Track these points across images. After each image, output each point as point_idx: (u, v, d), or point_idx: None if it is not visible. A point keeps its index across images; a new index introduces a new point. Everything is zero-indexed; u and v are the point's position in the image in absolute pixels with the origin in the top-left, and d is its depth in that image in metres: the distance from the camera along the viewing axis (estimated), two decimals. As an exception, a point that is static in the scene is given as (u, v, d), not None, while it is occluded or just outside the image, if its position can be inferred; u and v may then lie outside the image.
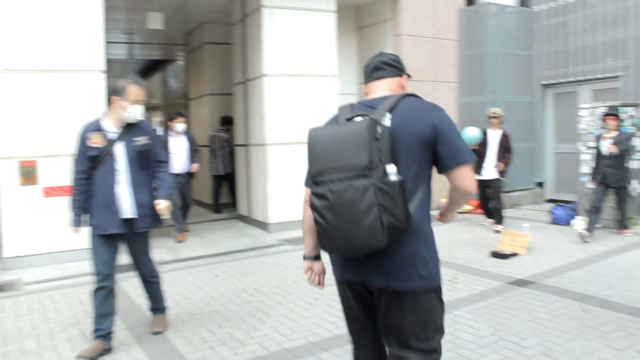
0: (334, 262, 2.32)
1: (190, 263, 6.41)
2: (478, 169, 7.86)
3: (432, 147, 2.18)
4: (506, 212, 9.54)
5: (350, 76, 10.22)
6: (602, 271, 5.66)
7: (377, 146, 2.04)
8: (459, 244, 7.16)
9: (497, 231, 7.83)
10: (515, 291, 5.05)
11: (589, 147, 8.17)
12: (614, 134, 7.25)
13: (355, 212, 2.01)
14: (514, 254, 6.43)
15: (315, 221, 2.11)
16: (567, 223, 8.32)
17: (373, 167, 2.02)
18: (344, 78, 10.02)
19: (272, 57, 7.87)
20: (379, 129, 2.06)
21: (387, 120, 2.18)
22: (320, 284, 2.45)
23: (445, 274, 5.68)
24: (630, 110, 8.07)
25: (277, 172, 7.96)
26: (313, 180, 2.12)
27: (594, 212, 7.18)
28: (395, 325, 2.18)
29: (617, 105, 7.84)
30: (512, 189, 10.35)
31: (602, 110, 8.03)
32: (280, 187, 7.99)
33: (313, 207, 2.10)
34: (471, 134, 7.49)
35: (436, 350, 2.21)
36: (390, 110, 2.20)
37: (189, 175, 7.76)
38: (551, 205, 9.09)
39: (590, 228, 7.15)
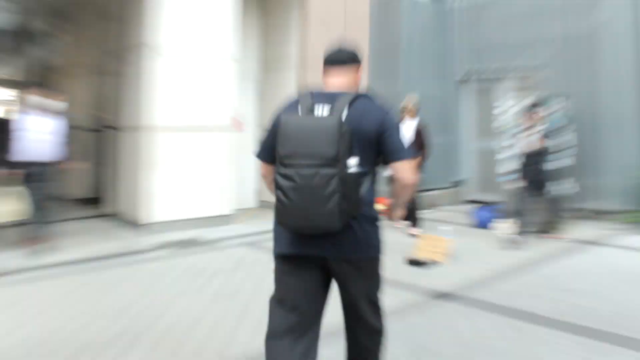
0: (279, 239, 2.99)
1: (34, 275, 5.78)
2: None
3: (377, 143, 2.95)
4: (423, 214, 9.64)
5: (253, 62, 10.15)
6: (535, 282, 5.74)
7: (342, 140, 2.76)
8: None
9: (413, 235, 7.88)
10: (437, 307, 4.97)
11: (508, 146, 8.41)
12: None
13: (319, 196, 2.71)
14: (433, 262, 6.43)
15: (278, 199, 2.74)
16: (489, 227, 8.51)
17: (338, 159, 2.73)
18: (247, 64, 9.94)
19: (160, 29, 7.70)
20: (344, 127, 2.79)
21: (343, 116, 2.91)
22: None
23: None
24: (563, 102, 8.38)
25: (157, 162, 7.66)
26: (281, 161, 2.76)
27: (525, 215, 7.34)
28: (355, 288, 3.00)
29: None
30: (429, 187, 10.50)
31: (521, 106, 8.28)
32: (163, 180, 7.76)
33: (278, 186, 2.75)
34: None
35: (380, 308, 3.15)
36: (348, 107, 2.94)
37: (57, 165, 6.86)
38: (473, 206, 9.28)
39: (522, 231, 7.30)
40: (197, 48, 8.10)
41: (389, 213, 3.19)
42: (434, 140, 10.18)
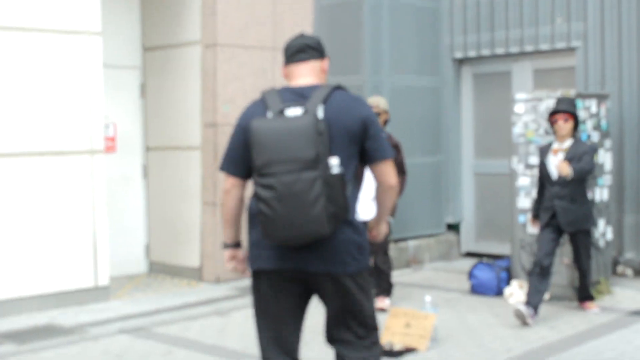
0: (259, 255, 3.82)
1: None
2: None
3: (360, 141, 3.79)
4: (396, 276, 9.76)
5: (129, 41, 10.24)
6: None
7: (321, 140, 3.58)
8: (319, 330, 7.09)
9: (382, 309, 7.95)
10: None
11: (531, 166, 8.62)
12: (568, 144, 7.67)
13: (304, 202, 3.54)
14: (409, 350, 6.49)
15: (261, 212, 3.59)
16: (497, 292, 8.68)
17: (319, 160, 3.56)
18: (119, 42, 10.01)
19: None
20: (321, 125, 3.61)
21: (320, 113, 3.69)
22: (245, 271, 4.08)
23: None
24: (592, 105, 8.67)
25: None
26: (259, 171, 3.61)
27: (539, 275, 7.51)
28: (339, 302, 3.87)
29: (572, 96, 8.36)
30: (409, 235, 10.63)
31: (548, 103, 8.54)
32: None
33: (260, 198, 3.59)
34: None
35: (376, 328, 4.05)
36: (323, 102, 3.73)
37: None
38: (472, 262, 9.45)
39: (532, 301, 7.47)
40: (44, 31, 8.10)
41: (373, 233, 4.16)
42: (414, 162, 10.41)
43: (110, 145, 9.73)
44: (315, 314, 4.99)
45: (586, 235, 7.76)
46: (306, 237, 3.61)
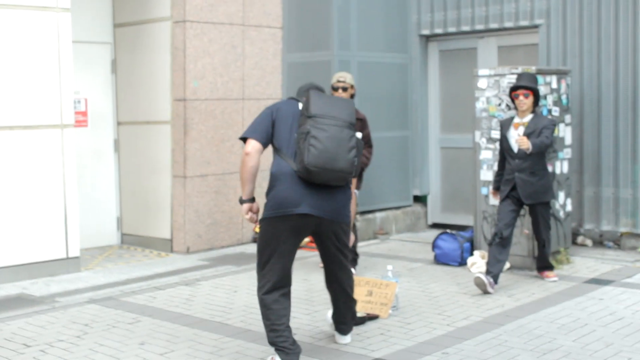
0: (289, 203, 5.10)
1: None
2: None
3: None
4: (361, 246, 9.85)
5: (100, 17, 10.21)
6: (509, 340, 5.95)
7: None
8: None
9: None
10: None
11: (493, 140, 8.70)
12: (528, 118, 7.72)
13: (344, 147, 5.07)
14: (372, 317, 6.58)
15: (314, 147, 4.97)
16: (460, 262, 8.79)
17: (353, 126, 5.20)
18: (90, 18, 9.98)
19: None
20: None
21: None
22: (256, 221, 5.40)
23: (258, 354, 5.67)
24: (553, 81, 8.75)
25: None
26: (314, 119, 5.06)
27: (499, 245, 7.59)
28: (339, 242, 5.39)
29: (533, 72, 8.44)
30: (376, 207, 10.71)
31: (511, 79, 8.60)
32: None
33: (314, 136, 4.99)
34: None
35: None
36: None
37: None
38: (437, 233, 9.52)
39: (493, 270, 7.56)
40: (14, 7, 8.10)
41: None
42: (382, 137, 10.48)
43: (82, 120, 9.74)
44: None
45: (545, 207, 7.85)
46: (340, 172, 5.07)
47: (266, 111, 5.37)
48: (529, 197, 7.66)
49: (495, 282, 7.49)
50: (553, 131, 7.69)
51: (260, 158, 5.23)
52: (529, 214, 7.99)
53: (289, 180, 5.13)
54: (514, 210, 7.69)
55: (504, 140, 7.84)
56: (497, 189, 7.99)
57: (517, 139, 7.52)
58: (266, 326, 5.26)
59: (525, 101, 7.67)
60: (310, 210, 5.11)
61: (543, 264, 8.05)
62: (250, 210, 5.41)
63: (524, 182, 7.62)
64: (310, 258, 9.05)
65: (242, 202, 5.40)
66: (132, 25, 10.05)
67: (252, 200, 5.40)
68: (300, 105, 5.36)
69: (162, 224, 9.80)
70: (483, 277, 7.42)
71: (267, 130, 5.26)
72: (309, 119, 5.09)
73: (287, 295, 5.32)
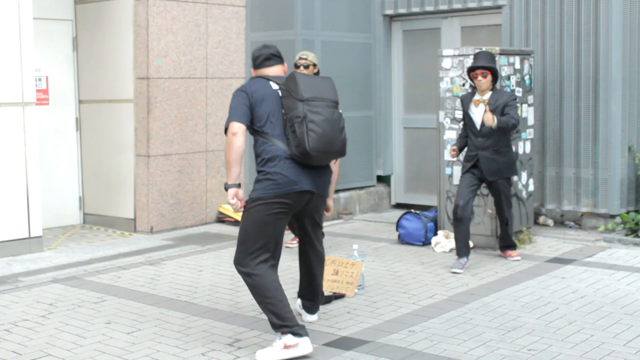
0: (289, 181, 5.19)
1: None
2: None
3: None
4: (326, 226, 9.87)
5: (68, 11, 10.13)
6: (474, 318, 6.04)
7: None
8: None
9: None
10: None
11: (457, 120, 8.75)
12: (487, 95, 7.75)
13: (338, 127, 5.28)
14: (338, 296, 6.62)
15: (314, 131, 5.09)
16: (424, 242, 8.86)
17: (338, 103, 5.38)
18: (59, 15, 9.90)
19: None
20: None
21: None
22: (241, 208, 5.32)
23: (225, 333, 5.69)
24: (516, 62, 8.82)
25: None
26: (307, 102, 5.14)
27: (461, 222, 7.70)
28: (318, 216, 5.67)
29: (491, 51, 8.45)
30: (340, 187, 10.73)
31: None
32: None
33: (311, 120, 5.10)
34: None
35: None
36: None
37: None
38: (401, 213, 9.58)
39: (461, 249, 7.67)
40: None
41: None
42: (345, 117, 10.40)
43: (43, 98, 9.62)
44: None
45: (506, 182, 7.88)
46: (336, 153, 5.33)
47: (240, 94, 5.30)
48: (492, 174, 7.69)
49: (467, 259, 7.69)
50: (517, 108, 7.75)
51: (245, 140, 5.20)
52: (490, 191, 8.03)
53: (283, 161, 5.18)
54: (474, 186, 7.74)
55: (466, 117, 7.89)
56: (459, 148, 8.03)
57: (483, 116, 7.53)
58: (268, 304, 5.20)
59: (483, 81, 7.70)
60: (309, 186, 5.27)
61: (506, 242, 8.13)
62: (237, 196, 5.27)
63: (487, 160, 7.65)
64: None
65: (227, 187, 5.26)
66: (94, 2, 9.94)
67: (239, 185, 5.29)
68: (274, 85, 5.36)
69: (125, 203, 9.74)
70: (457, 269, 7.56)
71: (247, 113, 5.22)
72: (301, 102, 5.13)
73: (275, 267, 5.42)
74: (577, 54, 9.35)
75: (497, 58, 8.34)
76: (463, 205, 7.60)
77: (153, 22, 9.42)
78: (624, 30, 9.12)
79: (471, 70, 7.78)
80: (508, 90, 8.51)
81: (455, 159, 8.44)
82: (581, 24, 9.30)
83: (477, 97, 7.82)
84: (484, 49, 8.44)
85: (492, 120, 7.42)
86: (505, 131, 7.67)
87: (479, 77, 7.70)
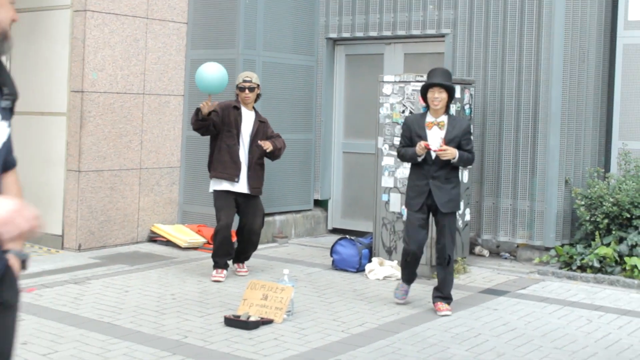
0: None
1: None
2: (231, 169, 8.07)
3: None
4: (260, 250, 9.79)
5: None
6: (402, 348, 6.00)
7: None
8: (178, 302, 7.13)
9: (242, 273, 8.37)
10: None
11: (396, 147, 8.68)
12: (442, 118, 7.04)
13: None
14: (266, 322, 6.54)
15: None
16: (358, 268, 8.79)
17: None
18: None
19: None
20: None
21: None
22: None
23: (146, 357, 5.55)
24: (457, 91, 8.77)
25: None
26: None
27: (411, 263, 7.25)
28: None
29: (445, 71, 8.06)
30: (275, 210, 10.65)
31: (415, 86, 8.65)
32: None
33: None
34: (214, 72, 7.74)
35: None
36: None
37: None
38: (336, 238, 9.52)
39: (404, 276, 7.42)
40: None
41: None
42: (286, 139, 10.36)
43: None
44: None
45: (454, 217, 7.34)
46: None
47: None
48: (446, 205, 7.01)
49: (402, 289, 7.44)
50: (469, 132, 7.28)
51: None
52: (436, 226, 7.26)
53: None
54: (427, 226, 7.17)
55: (416, 141, 7.03)
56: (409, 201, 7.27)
57: (439, 150, 6.86)
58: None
59: (440, 98, 6.96)
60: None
61: (443, 292, 7.21)
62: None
63: (439, 189, 6.99)
64: (204, 260, 8.91)
65: None
66: (29, 11, 9.74)
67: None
68: None
69: (54, 219, 9.51)
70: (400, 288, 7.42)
71: None
72: None
73: None
74: (518, 86, 9.42)
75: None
76: (415, 250, 7.13)
77: (90, 35, 9.27)
78: (564, 65, 9.22)
79: (426, 88, 7.09)
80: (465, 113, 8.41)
81: (393, 167, 8.46)
82: (523, 56, 9.38)
83: (430, 119, 7.10)
84: (425, 76, 8.43)
85: (451, 154, 6.86)
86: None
87: (436, 94, 6.97)
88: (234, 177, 7.98)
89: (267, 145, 8.01)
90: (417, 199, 7.07)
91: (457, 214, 7.57)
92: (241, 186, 8.03)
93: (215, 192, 8.08)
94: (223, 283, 7.96)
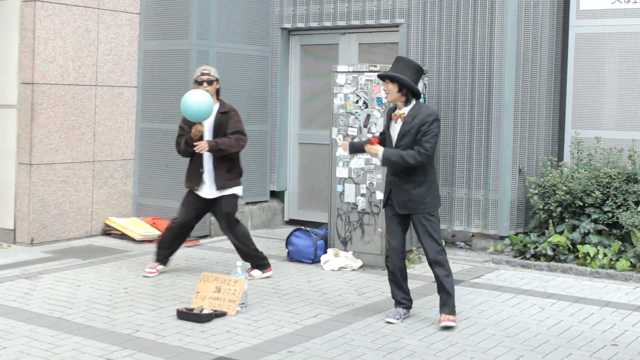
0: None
1: None
2: (193, 178, 7.96)
3: None
4: (214, 242, 9.77)
5: None
6: (355, 339, 6.01)
7: None
8: (131, 296, 7.10)
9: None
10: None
11: (350, 137, 8.69)
12: (406, 109, 6.50)
13: None
14: (219, 314, 6.52)
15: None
16: (313, 259, 8.79)
17: None
18: None
19: None
20: None
21: None
22: None
23: (95, 352, 5.49)
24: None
25: None
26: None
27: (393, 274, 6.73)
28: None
29: (386, 69, 8.04)
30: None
31: (369, 76, 8.65)
32: None
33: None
34: (199, 100, 7.45)
35: None
36: None
37: None
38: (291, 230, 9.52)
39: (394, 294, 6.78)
40: None
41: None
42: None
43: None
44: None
45: (427, 218, 6.54)
46: None
47: None
48: (402, 206, 6.53)
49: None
50: (436, 134, 6.45)
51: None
52: (412, 226, 6.73)
53: None
54: (396, 220, 6.68)
55: (386, 134, 6.73)
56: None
57: (367, 148, 6.57)
58: None
59: (386, 90, 6.53)
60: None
61: (448, 309, 6.50)
62: None
63: (398, 189, 6.54)
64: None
65: None
66: (-22, 2, 9.62)
67: None
68: None
69: (5, 213, 9.40)
70: (392, 319, 6.62)
71: None
72: None
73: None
74: (472, 76, 9.45)
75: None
76: (393, 244, 6.68)
77: (40, 26, 9.15)
78: (517, 54, 9.26)
79: (382, 77, 6.63)
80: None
81: (347, 157, 8.47)
82: (476, 45, 9.41)
83: (395, 111, 6.63)
84: (379, 67, 8.46)
85: (375, 151, 6.50)
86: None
87: (383, 87, 6.74)
88: (194, 186, 7.90)
89: (200, 148, 7.72)
90: (385, 194, 6.72)
91: (437, 214, 6.64)
92: (205, 192, 7.89)
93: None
94: (177, 276, 7.92)
